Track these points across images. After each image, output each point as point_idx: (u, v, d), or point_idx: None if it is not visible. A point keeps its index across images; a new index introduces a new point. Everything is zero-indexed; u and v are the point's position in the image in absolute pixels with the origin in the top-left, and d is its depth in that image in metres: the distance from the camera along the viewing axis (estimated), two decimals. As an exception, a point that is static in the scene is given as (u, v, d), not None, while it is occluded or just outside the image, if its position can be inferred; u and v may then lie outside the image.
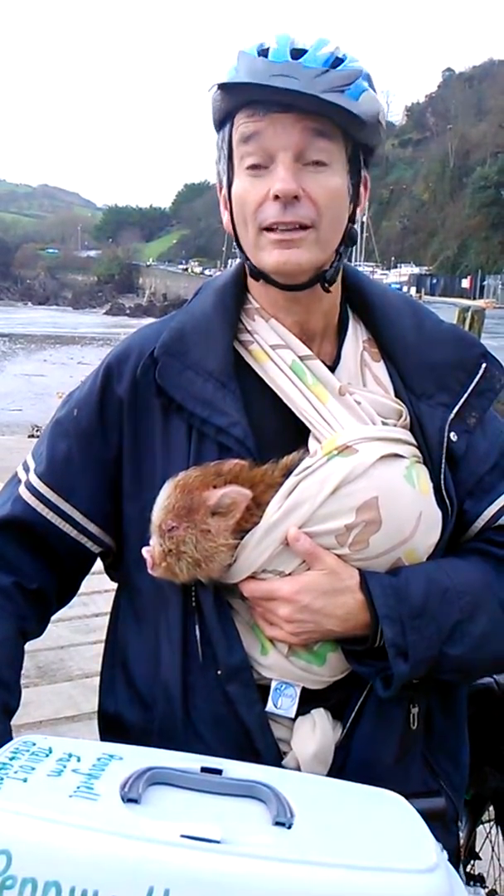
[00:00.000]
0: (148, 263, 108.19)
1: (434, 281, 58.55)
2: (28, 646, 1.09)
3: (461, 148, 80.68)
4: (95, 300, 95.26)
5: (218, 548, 0.95)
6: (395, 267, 65.72)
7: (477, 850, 1.71)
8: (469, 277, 57.80)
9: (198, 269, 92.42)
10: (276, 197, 0.96)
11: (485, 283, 57.54)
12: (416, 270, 64.53)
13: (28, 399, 18.28)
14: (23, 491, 1.10)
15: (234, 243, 1.06)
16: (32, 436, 10.83)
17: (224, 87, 0.99)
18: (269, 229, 0.99)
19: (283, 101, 0.94)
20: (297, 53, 0.96)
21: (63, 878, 0.62)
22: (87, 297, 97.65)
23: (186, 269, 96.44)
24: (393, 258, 71.75)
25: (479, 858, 1.70)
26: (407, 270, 63.33)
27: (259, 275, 1.03)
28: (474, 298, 44.02)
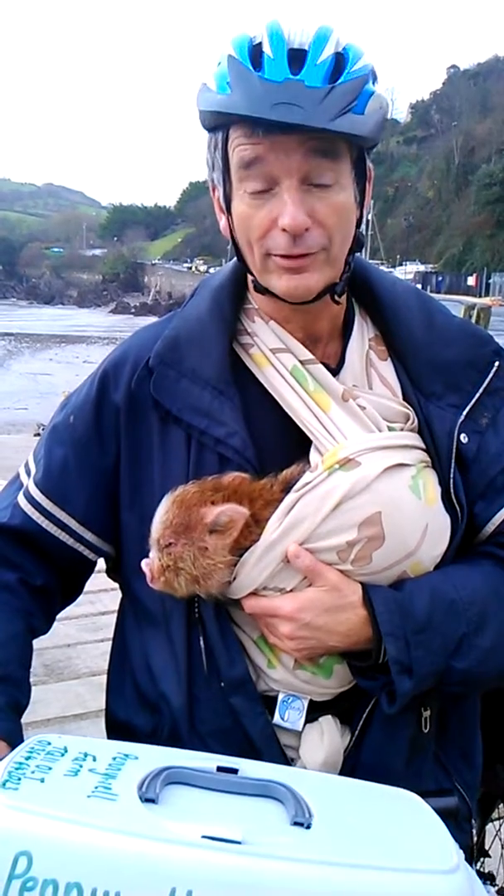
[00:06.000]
0: (153, 262, 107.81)
1: (440, 279, 58.20)
2: (35, 644, 1.09)
3: (466, 145, 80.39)
4: (101, 299, 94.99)
5: (216, 565, 0.93)
6: (401, 265, 65.37)
7: (487, 847, 1.70)
8: (475, 275, 57.43)
9: (203, 268, 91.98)
10: (285, 229, 0.91)
11: (491, 280, 57.21)
12: (422, 268, 64.17)
13: (34, 398, 18.28)
14: (20, 499, 1.09)
15: (235, 253, 1.01)
16: (38, 434, 10.84)
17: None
18: (276, 255, 0.94)
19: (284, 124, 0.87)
20: (295, 58, 0.88)
21: (84, 880, 0.61)
22: (93, 296, 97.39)
23: (191, 268, 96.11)
24: (398, 256, 71.45)
25: (489, 856, 1.69)
26: (412, 268, 62.95)
27: (265, 291, 0.99)
28: (480, 296, 43.87)
